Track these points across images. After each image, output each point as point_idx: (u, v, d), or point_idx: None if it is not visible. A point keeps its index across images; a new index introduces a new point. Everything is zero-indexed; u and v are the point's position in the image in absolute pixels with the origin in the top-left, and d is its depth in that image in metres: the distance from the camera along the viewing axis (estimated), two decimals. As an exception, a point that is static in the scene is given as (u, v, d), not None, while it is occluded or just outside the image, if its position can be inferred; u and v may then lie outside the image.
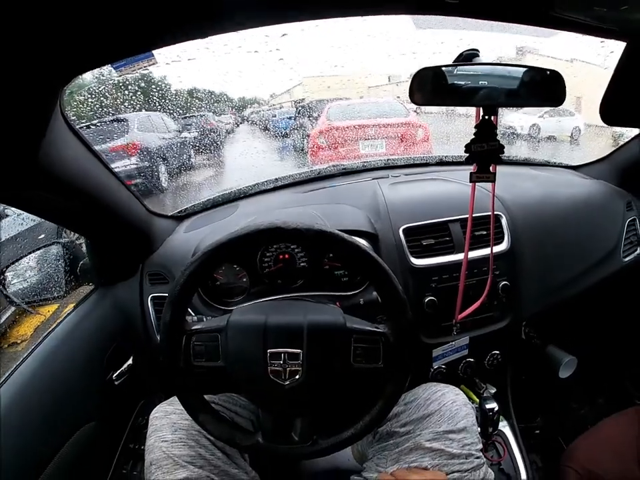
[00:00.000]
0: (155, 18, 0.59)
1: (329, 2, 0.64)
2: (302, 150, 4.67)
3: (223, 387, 1.12)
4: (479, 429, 1.05)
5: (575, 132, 5.95)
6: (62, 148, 0.89)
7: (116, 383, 1.25)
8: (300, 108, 5.46)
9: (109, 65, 0.80)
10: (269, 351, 0.82)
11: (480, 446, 0.99)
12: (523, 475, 1.33)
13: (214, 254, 0.83)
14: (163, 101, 2.66)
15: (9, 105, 0.65)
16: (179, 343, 0.85)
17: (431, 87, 0.87)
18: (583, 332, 1.77)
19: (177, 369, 0.85)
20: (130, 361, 1.32)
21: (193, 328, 0.87)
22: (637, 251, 1.64)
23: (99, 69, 0.77)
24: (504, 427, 1.44)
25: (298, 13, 0.67)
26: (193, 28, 0.66)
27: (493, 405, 1.32)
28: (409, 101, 0.89)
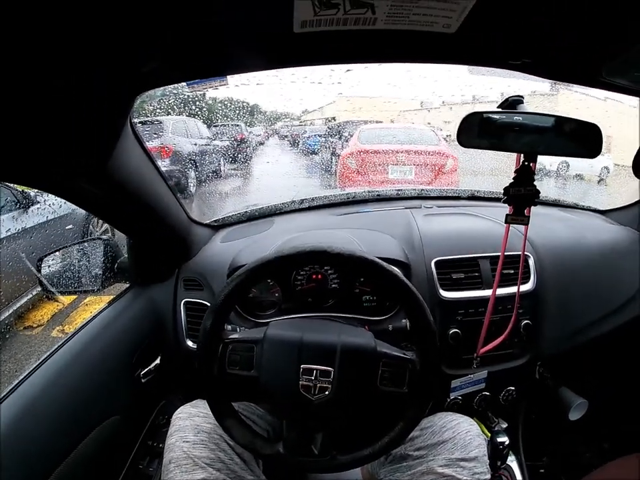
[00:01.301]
0: (248, 50, 0.65)
1: (407, 52, 0.69)
2: (330, 169, 4.71)
3: (251, 397, 1.16)
4: (488, 460, 1.07)
5: (604, 172, 5.92)
6: (126, 154, 0.94)
7: (143, 380, 1.28)
8: (331, 127, 5.50)
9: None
10: (302, 366, 0.86)
11: (489, 476, 1.00)
12: None
13: (260, 270, 0.88)
14: (201, 107, 2.74)
15: (88, 108, 0.69)
16: (215, 350, 0.89)
17: (477, 130, 0.92)
18: (597, 376, 1.77)
19: (210, 375, 0.88)
20: (158, 361, 1.35)
21: (231, 337, 0.91)
22: None
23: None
24: (511, 461, 1.44)
25: (377, 57, 0.72)
26: (278, 60, 0.72)
27: (504, 439, 1.32)
28: (441, 128, 0.93)
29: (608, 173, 5.85)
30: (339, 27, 0.52)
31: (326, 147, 5.14)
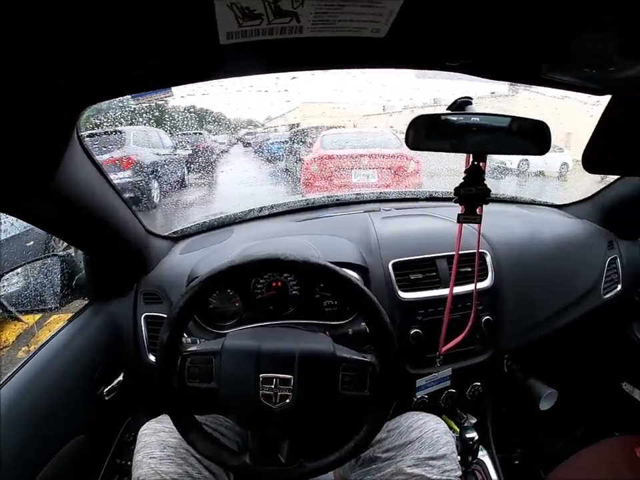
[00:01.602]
0: (176, 62, 0.64)
1: (339, 58, 0.69)
2: (294, 175, 4.71)
3: (214, 408, 1.14)
4: (458, 457, 1.08)
5: (563, 168, 6.08)
6: (75, 168, 0.92)
7: (106, 398, 1.26)
8: (294, 133, 5.51)
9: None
10: (261, 375, 0.85)
11: (459, 473, 1.01)
12: None
13: (214, 280, 0.87)
14: (162, 117, 2.70)
15: (30, 125, 0.68)
16: (174, 363, 0.88)
17: (425, 133, 0.92)
18: (564, 366, 1.82)
19: (170, 389, 0.87)
20: (120, 377, 1.32)
21: (189, 350, 0.90)
22: (617, 289, 1.70)
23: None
24: (483, 456, 1.47)
25: (309, 65, 0.72)
26: (208, 72, 0.71)
27: (472, 435, 1.35)
28: (403, 132, 0.94)
29: (567, 169, 6.01)
30: (266, 37, 0.52)
31: (289, 153, 5.13)
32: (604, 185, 1.80)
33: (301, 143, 5.00)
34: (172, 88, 0.91)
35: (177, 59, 0.62)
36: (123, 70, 0.64)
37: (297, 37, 0.52)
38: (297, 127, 5.86)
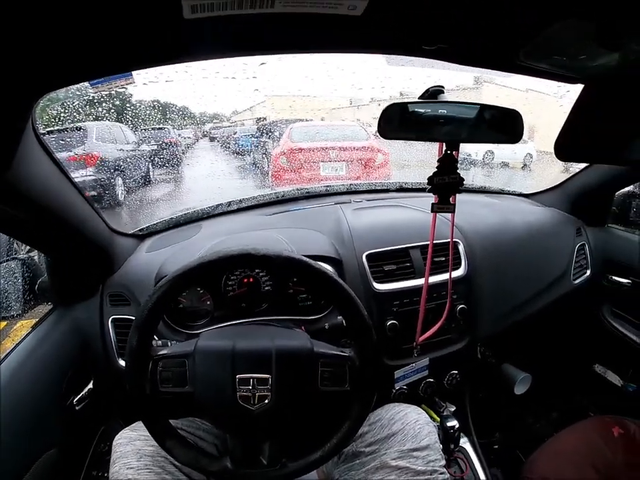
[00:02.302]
0: (134, 41, 0.60)
1: (313, 39, 0.67)
2: (263, 169, 4.68)
3: (190, 412, 1.11)
4: (441, 446, 1.08)
5: (527, 158, 6.24)
6: (30, 164, 0.87)
7: (77, 407, 1.21)
8: (262, 126, 5.47)
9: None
10: (237, 376, 0.83)
11: (443, 462, 1.01)
12: None
13: (183, 278, 0.84)
14: (125, 112, 2.62)
15: None
16: (145, 368, 0.84)
17: (397, 122, 0.91)
18: (537, 350, 1.86)
19: (143, 396, 0.84)
20: (90, 385, 1.28)
21: (160, 353, 0.86)
22: (586, 274, 1.75)
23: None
24: (464, 443, 1.48)
25: (282, 46, 0.69)
26: (171, 52, 0.67)
27: (453, 423, 1.36)
28: (370, 124, 0.93)
29: (531, 159, 6.16)
30: (235, 11, 0.48)
31: (257, 147, 5.11)
32: (568, 175, 1.85)
33: (269, 136, 4.97)
34: (133, 74, 0.87)
35: (138, 37, 0.58)
36: (79, 52, 0.60)
37: (269, 13, 0.49)
38: (264, 120, 5.82)
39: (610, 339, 1.76)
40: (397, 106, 0.91)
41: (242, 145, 5.47)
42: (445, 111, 0.91)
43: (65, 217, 1.07)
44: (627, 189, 1.78)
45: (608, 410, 1.48)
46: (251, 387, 0.83)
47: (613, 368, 1.86)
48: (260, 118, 6.12)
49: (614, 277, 1.74)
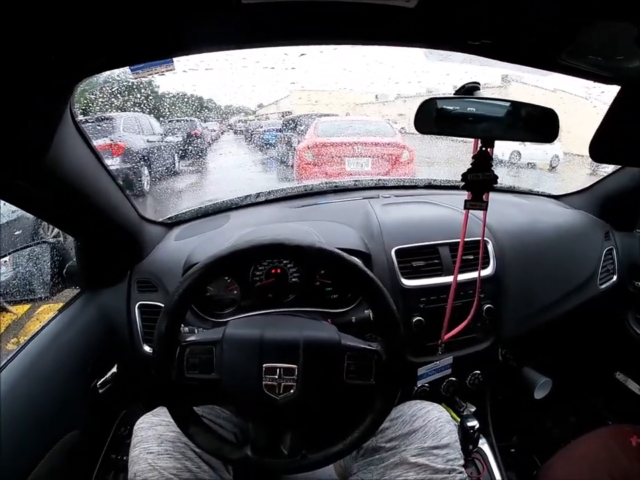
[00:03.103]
0: (174, 29, 0.61)
1: (364, 30, 0.66)
2: (287, 163, 4.69)
3: (214, 400, 1.12)
4: (460, 445, 1.08)
5: (554, 160, 6.13)
6: (68, 148, 0.88)
7: (100, 391, 1.23)
8: (287, 121, 5.47)
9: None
10: (264, 365, 0.83)
11: (462, 462, 1.01)
12: None
13: (214, 266, 0.84)
14: (153, 102, 2.64)
15: (21, 101, 0.65)
16: (172, 354, 0.85)
17: (434, 117, 0.91)
18: (558, 354, 1.83)
19: (169, 381, 0.85)
20: (114, 369, 1.30)
21: (188, 340, 0.87)
22: (613, 279, 1.72)
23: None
24: (483, 444, 1.47)
25: (333, 36, 0.69)
26: (226, 38, 0.68)
27: (474, 423, 1.35)
28: (396, 121, 0.92)
29: (559, 160, 6.05)
30: None
31: (283, 141, 5.11)
32: (596, 178, 1.81)
33: (294, 131, 4.97)
34: (174, 61, 0.88)
35: (193, 21, 0.58)
36: (121, 36, 0.61)
37: (322, 1, 0.49)
38: (289, 114, 5.82)
39: (633, 346, 1.73)
40: (433, 101, 0.90)
41: (267, 138, 5.49)
42: (481, 108, 0.91)
43: (97, 202, 1.09)
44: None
45: (627, 418, 1.47)
46: (277, 377, 0.83)
47: (634, 376, 1.82)
48: (285, 112, 6.13)
49: (640, 284, 1.70)
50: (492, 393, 1.62)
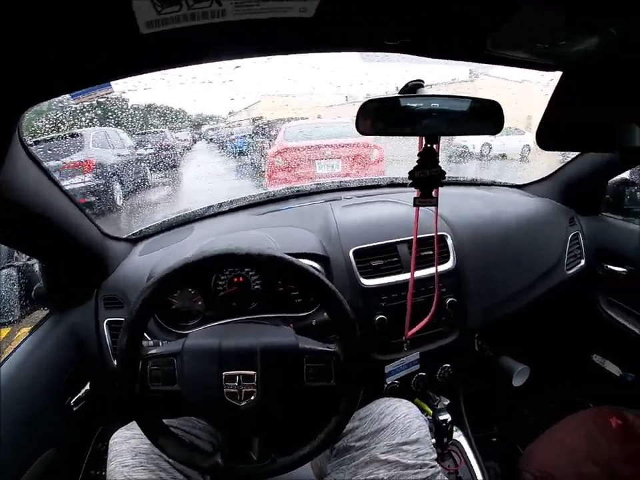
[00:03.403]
0: (101, 55, 0.61)
1: (269, 43, 0.67)
2: (259, 169, 4.69)
3: (181, 411, 1.12)
4: (433, 439, 1.08)
5: (525, 150, 6.23)
6: (19, 174, 0.88)
7: (74, 408, 1.22)
8: (257, 127, 5.47)
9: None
10: (223, 373, 0.84)
11: (434, 455, 1.02)
12: None
13: (168, 280, 0.85)
14: (120, 117, 2.63)
15: None
16: (135, 368, 0.85)
17: (375, 117, 0.91)
18: (534, 342, 1.85)
19: (133, 394, 0.85)
20: (87, 387, 1.29)
21: (149, 353, 0.87)
22: (581, 263, 1.75)
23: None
24: (459, 436, 1.48)
25: (239, 52, 0.69)
26: (134, 65, 0.68)
27: (445, 416, 1.37)
28: None
29: (529, 151, 6.14)
30: (188, 23, 0.49)
31: (253, 147, 5.12)
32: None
33: (265, 136, 4.97)
34: (111, 84, 0.88)
35: (103, 52, 0.58)
36: (54, 67, 0.61)
37: (222, 22, 0.50)
38: (260, 119, 5.82)
39: (607, 328, 1.76)
40: (374, 102, 0.91)
41: (238, 145, 5.48)
42: (423, 105, 0.91)
43: (55, 224, 1.09)
44: (620, 176, 1.76)
45: (607, 400, 1.49)
46: (237, 384, 0.84)
47: (611, 358, 1.85)
48: (256, 118, 6.13)
49: (609, 266, 1.73)
50: (465, 385, 1.63)
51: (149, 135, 4.54)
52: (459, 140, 5.35)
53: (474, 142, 5.73)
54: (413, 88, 0.95)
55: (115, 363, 1.27)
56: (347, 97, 6.74)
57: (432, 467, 0.99)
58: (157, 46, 0.57)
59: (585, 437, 1.26)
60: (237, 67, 1.20)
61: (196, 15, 0.48)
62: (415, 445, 1.00)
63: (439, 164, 0.99)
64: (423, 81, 0.95)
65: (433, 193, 1.01)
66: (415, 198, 1.01)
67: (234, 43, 0.63)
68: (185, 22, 0.49)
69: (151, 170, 4.42)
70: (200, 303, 1.25)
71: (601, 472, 1.18)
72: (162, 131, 4.67)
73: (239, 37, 0.60)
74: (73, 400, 1.23)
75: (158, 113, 4.16)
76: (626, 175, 1.78)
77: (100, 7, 0.46)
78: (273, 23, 0.52)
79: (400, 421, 1.04)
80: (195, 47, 0.62)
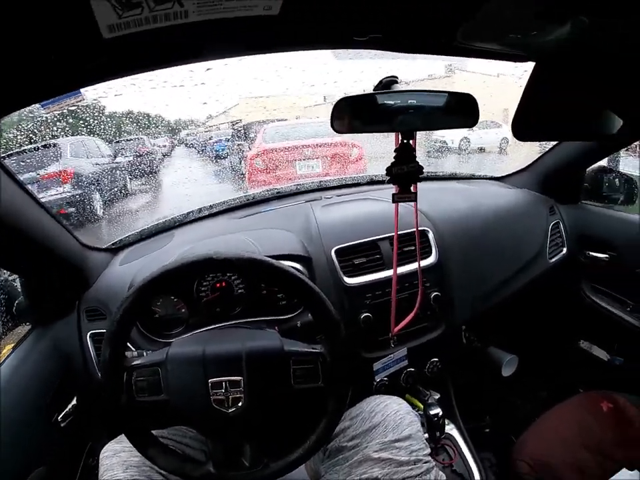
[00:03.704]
0: (65, 63, 0.59)
1: (248, 41, 0.66)
2: (239, 172, 4.67)
3: (169, 421, 1.11)
4: (425, 434, 1.08)
5: (503, 143, 6.29)
6: None
7: (62, 424, 1.20)
8: (236, 130, 5.46)
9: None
10: (210, 380, 0.83)
11: (427, 451, 1.02)
12: (476, 473, 1.37)
13: (147, 288, 0.84)
14: (93, 124, 2.59)
15: None
16: (120, 379, 0.84)
17: (350, 115, 0.90)
18: (522, 331, 1.87)
19: (119, 407, 0.84)
20: (74, 401, 1.27)
21: (133, 364, 0.86)
22: (563, 252, 1.78)
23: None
24: (451, 429, 1.49)
25: (206, 54, 0.68)
26: (99, 72, 0.67)
27: (436, 411, 1.37)
28: None
29: (507, 143, 6.21)
30: (151, 26, 0.48)
31: (233, 150, 5.11)
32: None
33: (244, 139, 4.96)
34: (81, 91, 0.86)
35: (67, 59, 0.57)
36: (19, 78, 0.59)
37: (185, 23, 0.49)
38: (239, 122, 5.80)
39: (592, 314, 1.79)
40: (348, 99, 0.90)
41: (218, 149, 5.46)
42: (398, 101, 0.90)
43: (31, 236, 1.07)
44: (598, 164, 1.78)
45: (597, 385, 1.51)
46: (224, 390, 0.83)
47: (598, 343, 1.87)
48: (234, 121, 6.10)
49: (591, 253, 1.76)
50: (454, 378, 1.64)
51: (127, 142, 4.50)
52: (438, 135, 5.39)
53: (452, 137, 5.79)
54: (387, 84, 0.94)
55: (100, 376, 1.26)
56: (325, 96, 6.75)
57: (426, 462, 0.99)
58: (121, 50, 0.56)
59: (577, 423, 1.27)
60: (208, 69, 1.19)
61: (158, 17, 0.47)
62: (408, 441, 1.00)
63: (417, 159, 0.98)
64: (397, 77, 0.95)
65: (412, 188, 1.00)
66: (393, 194, 1.00)
67: (199, 45, 0.62)
68: (148, 25, 0.48)
69: (130, 178, 4.37)
70: (183, 310, 1.23)
71: (593, 457, 1.20)
72: (140, 138, 4.64)
73: (205, 38, 0.59)
74: (60, 416, 1.21)
75: (133, 120, 4.12)
76: (603, 162, 1.81)
77: (59, 12, 0.45)
78: (237, 22, 0.51)
79: (391, 418, 1.04)
80: (160, 50, 0.61)
